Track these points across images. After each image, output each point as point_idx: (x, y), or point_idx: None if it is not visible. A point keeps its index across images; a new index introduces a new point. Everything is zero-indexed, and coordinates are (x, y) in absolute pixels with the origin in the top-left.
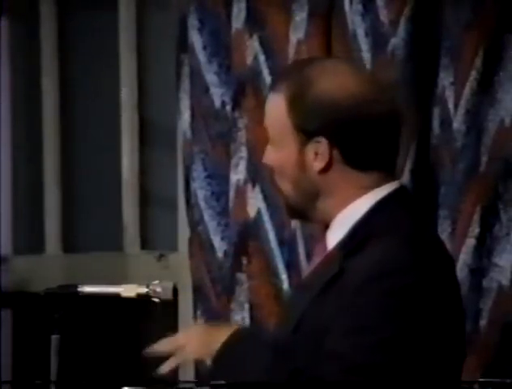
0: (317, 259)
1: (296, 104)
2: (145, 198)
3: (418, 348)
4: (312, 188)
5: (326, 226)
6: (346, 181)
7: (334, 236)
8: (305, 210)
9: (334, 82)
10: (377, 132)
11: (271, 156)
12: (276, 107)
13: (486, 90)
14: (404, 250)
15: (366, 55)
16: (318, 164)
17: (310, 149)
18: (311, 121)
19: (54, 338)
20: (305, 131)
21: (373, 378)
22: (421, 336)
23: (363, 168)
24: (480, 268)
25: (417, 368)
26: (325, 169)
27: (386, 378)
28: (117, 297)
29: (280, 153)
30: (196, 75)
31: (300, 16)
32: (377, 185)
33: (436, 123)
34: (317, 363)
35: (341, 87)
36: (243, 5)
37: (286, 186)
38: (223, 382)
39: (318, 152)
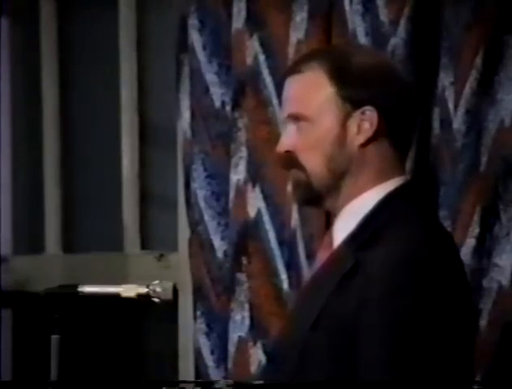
0: (323, 254)
1: (342, 73)
2: (145, 198)
3: (451, 343)
4: (345, 164)
5: (328, 221)
6: (378, 157)
7: (343, 229)
8: (326, 191)
9: (369, 55)
10: (409, 106)
11: (299, 138)
12: (312, 82)
13: (486, 90)
14: (424, 247)
15: None
16: (362, 137)
17: (354, 121)
18: (360, 89)
19: (54, 338)
20: (353, 100)
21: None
22: (454, 331)
23: (397, 142)
24: (480, 268)
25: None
26: (369, 141)
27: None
28: (117, 297)
29: (316, 129)
30: (196, 75)
31: (300, 16)
32: (391, 174)
33: (436, 123)
34: (345, 360)
35: (378, 60)
36: (243, 5)
37: (316, 164)
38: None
39: (363, 124)
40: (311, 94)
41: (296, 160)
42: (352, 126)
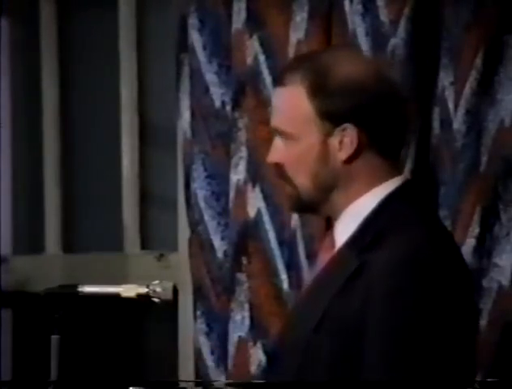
0: (325, 256)
1: (319, 91)
2: (145, 198)
3: (456, 343)
4: (331, 179)
5: (329, 221)
6: (366, 168)
7: (344, 231)
8: (317, 203)
9: (351, 66)
10: (395, 115)
11: (284, 152)
12: (293, 98)
13: (486, 90)
14: (427, 248)
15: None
16: (344, 153)
17: (335, 138)
18: (338, 106)
19: (54, 338)
20: (332, 117)
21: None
22: (458, 331)
23: (383, 152)
24: (480, 268)
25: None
26: (352, 157)
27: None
28: (117, 297)
29: (299, 146)
30: (196, 75)
31: (300, 16)
32: (387, 177)
33: (436, 123)
34: (348, 361)
35: (360, 71)
36: (243, 5)
37: (302, 180)
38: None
39: (344, 140)
40: (291, 111)
41: (285, 173)
42: (334, 143)
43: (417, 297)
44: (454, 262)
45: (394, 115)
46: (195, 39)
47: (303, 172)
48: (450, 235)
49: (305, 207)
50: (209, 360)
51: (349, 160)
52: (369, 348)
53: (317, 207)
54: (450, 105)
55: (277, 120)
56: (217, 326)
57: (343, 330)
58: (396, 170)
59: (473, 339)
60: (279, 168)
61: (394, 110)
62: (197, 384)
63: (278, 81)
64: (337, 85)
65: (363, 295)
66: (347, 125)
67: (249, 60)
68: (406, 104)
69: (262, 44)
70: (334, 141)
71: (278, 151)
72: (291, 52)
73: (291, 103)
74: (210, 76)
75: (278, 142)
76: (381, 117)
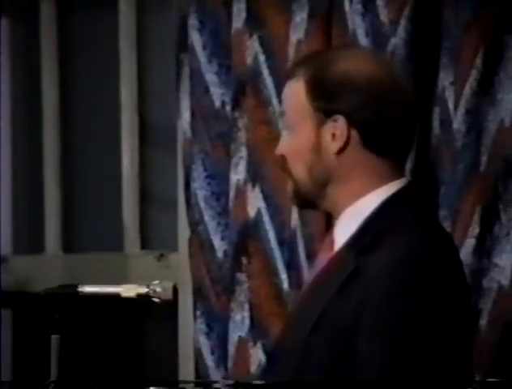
0: (325, 256)
1: (314, 84)
2: (145, 198)
3: (450, 345)
4: (326, 172)
5: (329, 221)
6: (361, 166)
7: (344, 232)
8: (315, 197)
9: (352, 63)
10: (395, 116)
11: (286, 144)
12: (294, 91)
13: (486, 90)
14: (425, 251)
15: None
16: (335, 145)
17: (327, 130)
18: (329, 100)
19: (54, 338)
20: (323, 110)
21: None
22: (453, 333)
23: (379, 151)
24: (480, 268)
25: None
26: (342, 149)
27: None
28: (117, 297)
29: (296, 137)
30: (196, 75)
31: (300, 16)
32: (389, 178)
33: (436, 123)
34: (345, 362)
35: (359, 68)
36: (243, 5)
37: (299, 171)
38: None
39: (336, 132)
40: (291, 103)
41: (287, 165)
42: (326, 134)
43: (414, 299)
44: (451, 264)
45: (391, 116)
46: (195, 39)
47: (300, 163)
48: (449, 238)
49: (305, 200)
50: (209, 360)
51: (340, 152)
52: (366, 349)
53: (316, 201)
54: (450, 105)
55: (283, 110)
56: (217, 326)
57: (341, 331)
58: (400, 172)
59: (470, 341)
60: (282, 160)
61: (392, 112)
62: (197, 384)
63: (287, 74)
64: (331, 80)
65: (360, 296)
66: (338, 116)
67: (249, 60)
68: (407, 106)
69: (262, 44)
70: (326, 133)
71: (282, 143)
72: (291, 52)
73: (292, 95)
74: (210, 76)
75: (284, 134)
76: (375, 115)
